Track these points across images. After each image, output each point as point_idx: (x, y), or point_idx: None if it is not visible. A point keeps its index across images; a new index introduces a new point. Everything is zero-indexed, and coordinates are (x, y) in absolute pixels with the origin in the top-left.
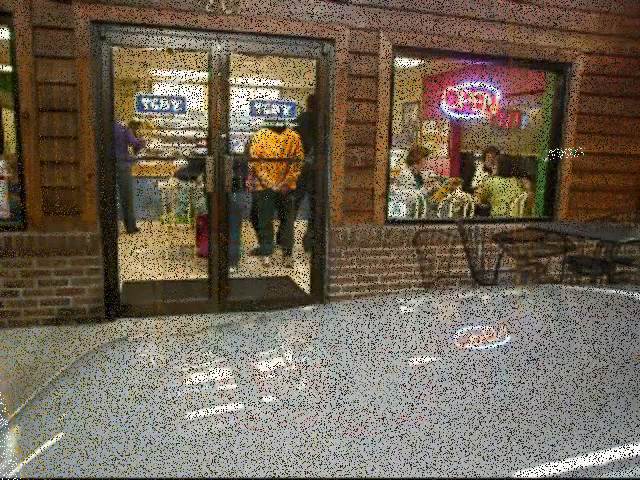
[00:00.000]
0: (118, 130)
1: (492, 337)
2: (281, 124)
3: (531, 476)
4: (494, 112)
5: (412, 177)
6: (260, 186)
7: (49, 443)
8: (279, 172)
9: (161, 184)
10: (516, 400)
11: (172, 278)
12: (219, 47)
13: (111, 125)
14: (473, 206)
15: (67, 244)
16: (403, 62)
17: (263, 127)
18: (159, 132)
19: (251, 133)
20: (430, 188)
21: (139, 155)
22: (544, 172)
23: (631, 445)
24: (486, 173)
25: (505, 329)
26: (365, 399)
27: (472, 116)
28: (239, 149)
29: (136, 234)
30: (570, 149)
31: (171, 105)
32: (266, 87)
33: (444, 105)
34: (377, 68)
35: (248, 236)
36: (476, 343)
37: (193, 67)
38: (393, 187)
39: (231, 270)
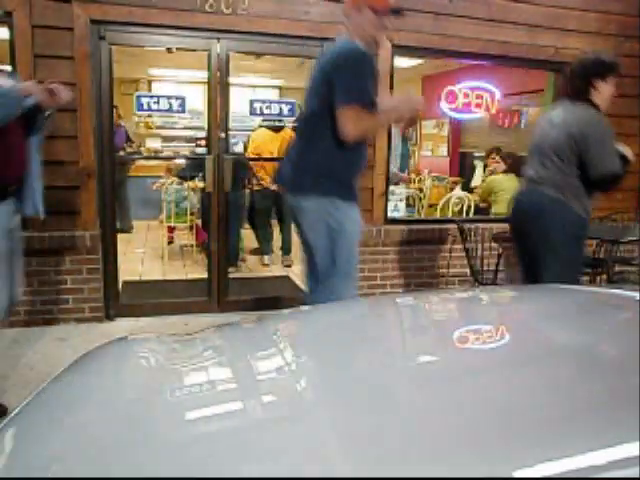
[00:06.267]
0: (117, 129)
1: (491, 336)
2: (280, 123)
3: (531, 476)
4: (494, 112)
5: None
6: (258, 185)
7: (49, 443)
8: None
9: (160, 183)
10: (515, 400)
11: (171, 278)
12: (219, 47)
13: (110, 124)
14: (473, 205)
15: (66, 244)
16: (402, 61)
17: (261, 126)
18: (158, 131)
19: (249, 132)
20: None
21: (137, 155)
22: None
23: (631, 445)
24: (488, 173)
25: (504, 328)
26: (365, 398)
27: (472, 116)
28: (239, 149)
29: (131, 232)
30: None
31: (170, 104)
32: (266, 87)
33: (443, 104)
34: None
35: (247, 235)
36: (475, 342)
37: (193, 66)
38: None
39: (230, 270)
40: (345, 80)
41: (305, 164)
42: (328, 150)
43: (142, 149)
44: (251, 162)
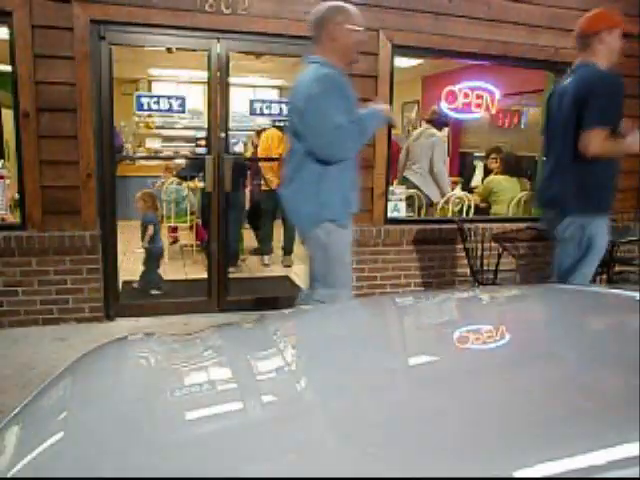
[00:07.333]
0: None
1: (491, 336)
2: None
3: (531, 476)
4: (494, 112)
5: None
6: (265, 186)
7: (49, 443)
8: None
9: (161, 182)
10: (515, 400)
11: (171, 278)
12: (219, 47)
13: (111, 124)
14: (473, 205)
15: (66, 244)
16: (402, 61)
17: (271, 127)
18: (158, 131)
19: (252, 133)
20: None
21: (138, 154)
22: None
23: (631, 445)
24: (488, 173)
25: (504, 328)
26: (365, 398)
27: (472, 116)
28: (239, 149)
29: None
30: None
31: (170, 104)
32: (266, 87)
33: (443, 105)
34: (377, 68)
35: (247, 235)
36: (475, 342)
37: (193, 66)
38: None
39: (231, 270)
40: (600, 104)
41: (565, 184)
42: (585, 170)
43: (141, 149)
44: (259, 162)
